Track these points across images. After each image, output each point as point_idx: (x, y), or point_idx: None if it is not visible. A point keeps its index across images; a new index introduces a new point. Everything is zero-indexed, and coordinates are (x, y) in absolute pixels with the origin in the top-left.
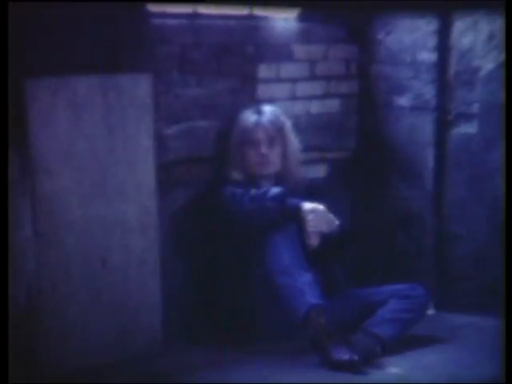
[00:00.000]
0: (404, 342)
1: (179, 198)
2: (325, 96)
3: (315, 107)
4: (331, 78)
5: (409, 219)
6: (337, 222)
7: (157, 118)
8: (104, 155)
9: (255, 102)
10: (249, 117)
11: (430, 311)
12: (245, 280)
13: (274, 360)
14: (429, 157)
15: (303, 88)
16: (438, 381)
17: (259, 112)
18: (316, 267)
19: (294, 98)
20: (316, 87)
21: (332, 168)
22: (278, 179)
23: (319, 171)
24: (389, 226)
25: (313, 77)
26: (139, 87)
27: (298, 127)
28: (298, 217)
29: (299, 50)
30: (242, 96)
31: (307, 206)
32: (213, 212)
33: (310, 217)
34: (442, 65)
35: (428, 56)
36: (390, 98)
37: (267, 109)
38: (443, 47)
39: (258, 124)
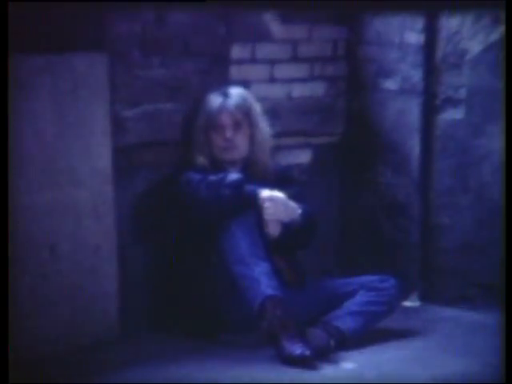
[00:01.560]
0: (372, 335)
1: (141, 183)
2: (309, 79)
3: (297, 90)
4: (316, 59)
5: (394, 208)
6: (299, 211)
7: (114, 99)
8: (52, 138)
9: (227, 84)
10: (214, 100)
11: (414, 303)
12: (205, 269)
13: (230, 352)
14: (415, 143)
15: (283, 70)
16: (389, 379)
17: (225, 95)
18: (279, 257)
19: (272, 80)
20: (298, 69)
21: (317, 153)
22: (246, 165)
23: (303, 157)
24: (374, 214)
25: (294, 58)
26: (93, 67)
27: (276, 111)
28: (254, 204)
29: (278, 30)
30: (211, 77)
31: (264, 193)
32: (172, 198)
33: (267, 204)
34: (429, 47)
35: (416, 37)
36: (377, 81)
37: (234, 91)
38: (431, 28)
39: (222, 107)
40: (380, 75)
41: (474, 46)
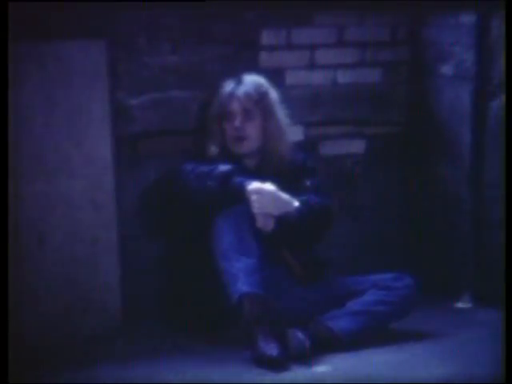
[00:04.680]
0: (382, 336)
1: (150, 173)
2: (359, 64)
3: (344, 77)
4: (368, 44)
5: (447, 201)
6: (294, 204)
7: (116, 87)
8: (41, 127)
9: (255, 71)
10: (226, 87)
11: (465, 304)
12: (202, 263)
13: (210, 351)
14: (466, 132)
15: (326, 56)
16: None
17: (238, 82)
18: (287, 252)
19: (312, 66)
20: (345, 55)
21: (372, 144)
22: (263, 156)
23: (355, 147)
24: (429, 208)
25: (340, 43)
26: (89, 55)
27: (318, 98)
28: (243, 198)
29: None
30: (237, 64)
31: (252, 186)
32: (170, 190)
33: (254, 197)
34: (483, 27)
35: (469, 17)
36: (435, 67)
37: (248, 79)
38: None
39: (232, 95)
40: (438, 60)
41: None
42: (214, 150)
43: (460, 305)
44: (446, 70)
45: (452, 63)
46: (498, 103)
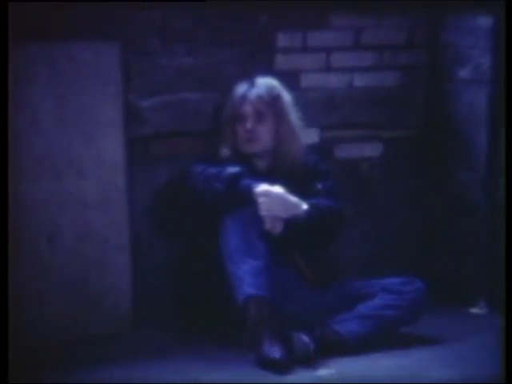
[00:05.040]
0: (390, 340)
1: (162, 174)
2: (376, 68)
3: (361, 80)
4: (385, 47)
5: (463, 207)
6: (303, 207)
7: (129, 89)
8: (51, 127)
9: (271, 74)
10: (239, 89)
11: (481, 310)
12: (213, 265)
13: (217, 352)
14: (482, 137)
15: (342, 58)
16: None
17: (250, 84)
18: (298, 255)
19: (328, 69)
20: (362, 58)
21: (389, 147)
22: (274, 159)
23: (371, 150)
24: (445, 213)
25: (357, 46)
26: (100, 56)
27: (334, 101)
28: (250, 200)
29: (337, 18)
30: (253, 67)
31: (260, 188)
32: (181, 191)
33: (261, 200)
34: (499, 30)
35: (485, 20)
36: (453, 70)
37: (261, 81)
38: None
39: (244, 97)
40: (456, 63)
41: None
42: (226, 151)
43: (475, 310)
44: (464, 73)
45: (470, 67)
46: None
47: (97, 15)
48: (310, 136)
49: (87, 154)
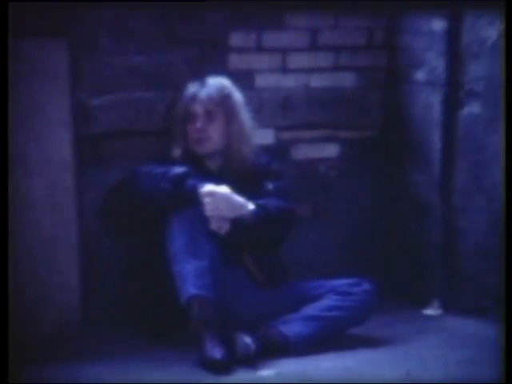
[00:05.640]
0: (339, 341)
1: (113, 174)
2: (332, 69)
3: (317, 81)
4: (343, 48)
5: (418, 208)
6: (249, 207)
7: (78, 87)
8: None
9: (224, 73)
10: (189, 89)
11: (435, 311)
12: (159, 265)
13: (165, 352)
14: (437, 139)
15: (299, 59)
16: None
17: (201, 84)
18: (247, 255)
19: (284, 69)
20: (318, 58)
21: (346, 148)
22: (225, 159)
23: (329, 151)
24: (402, 214)
25: (313, 47)
26: (48, 54)
27: (290, 102)
28: (196, 200)
29: (294, 19)
30: (205, 66)
31: (205, 188)
32: (128, 191)
33: (207, 200)
34: (453, 34)
35: (440, 24)
36: (409, 72)
37: (211, 81)
38: (455, 13)
39: (195, 96)
40: (411, 66)
41: (493, 33)
42: (177, 151)
43: (429, 311)
44: (419, 76)
45: (425, 69)
46: (468, 110)
47: (44, 13)
48: (265, 137)
49: (35, 153)
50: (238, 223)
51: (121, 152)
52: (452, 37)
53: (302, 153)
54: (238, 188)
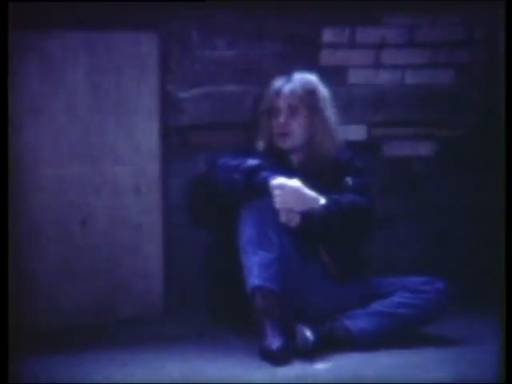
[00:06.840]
0: (405, 339)
1: (200, 165)
2: (430, 65)
3: (413, 77)
4: (441, 44)
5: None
6: (320, 201)
7: (168, 80)
8: (85, 113)
9: (317, 69)
10: (275, 83)
11: None
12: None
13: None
14: None
15: (394, 55)
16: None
17: (287, 79)
18: (321, 248)
19: (378, 65)
20: (414, 55)
21: (443, 146)
22: (307, 153)
23: (423, 149)
24: (495, 214)
25: (410, 43)
26: (140, 47)
27: (383, 98)
28: (267, 192)
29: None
30: (297, 61)
31: (275, 181)
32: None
33: (276, 192)
34: None
35: None
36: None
37: (297, 76)
38: None
39: (279, 91)
40: None
41: None
42: (260, 144)
43: None
44: None
45: None
46: None
47: (137, 6)
48: (357, 132)
49: (123, 141)
50: (309, 216)
51: (207, 143)
52: None
53: (395, 150)
54: (318, 182)
